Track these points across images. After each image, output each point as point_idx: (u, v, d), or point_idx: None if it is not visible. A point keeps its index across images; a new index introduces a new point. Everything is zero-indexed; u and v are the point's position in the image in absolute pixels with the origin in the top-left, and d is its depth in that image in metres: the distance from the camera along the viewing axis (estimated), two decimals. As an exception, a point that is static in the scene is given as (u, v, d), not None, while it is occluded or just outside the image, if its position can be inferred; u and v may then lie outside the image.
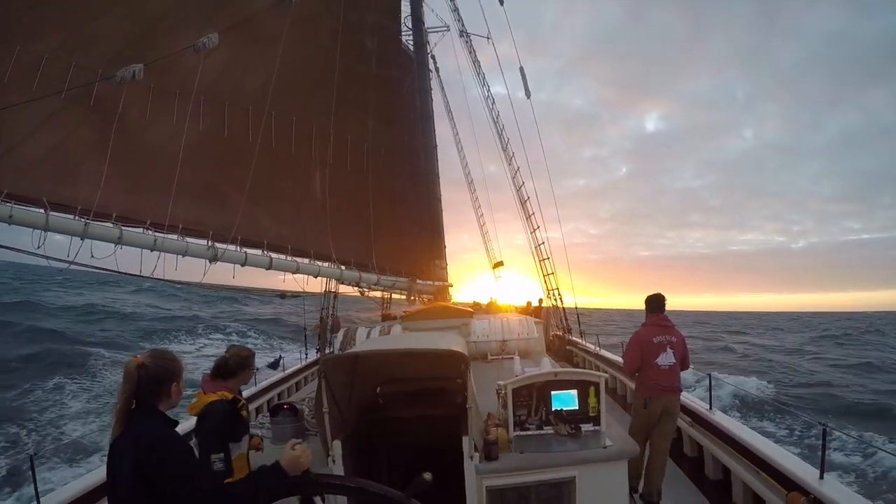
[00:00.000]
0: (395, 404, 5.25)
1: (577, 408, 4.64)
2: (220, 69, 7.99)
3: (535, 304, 15.91)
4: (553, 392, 4.66)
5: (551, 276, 15.04)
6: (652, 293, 5.74)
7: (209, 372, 3.67)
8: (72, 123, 6.34)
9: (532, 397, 4.70)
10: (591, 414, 4.60)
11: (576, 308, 15.30)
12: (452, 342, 5.28)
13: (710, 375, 6.42)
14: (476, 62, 15.92)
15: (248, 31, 8.21)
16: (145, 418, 2.10)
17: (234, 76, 8.28)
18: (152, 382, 2.13)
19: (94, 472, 5.07)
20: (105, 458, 2.14)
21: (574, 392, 4.66)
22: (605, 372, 9.93)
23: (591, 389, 4.61)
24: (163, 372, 2.17)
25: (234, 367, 3.66)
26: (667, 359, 5.44)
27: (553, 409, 4.64)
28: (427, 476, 2.11)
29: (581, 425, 4.54)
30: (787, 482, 4.36)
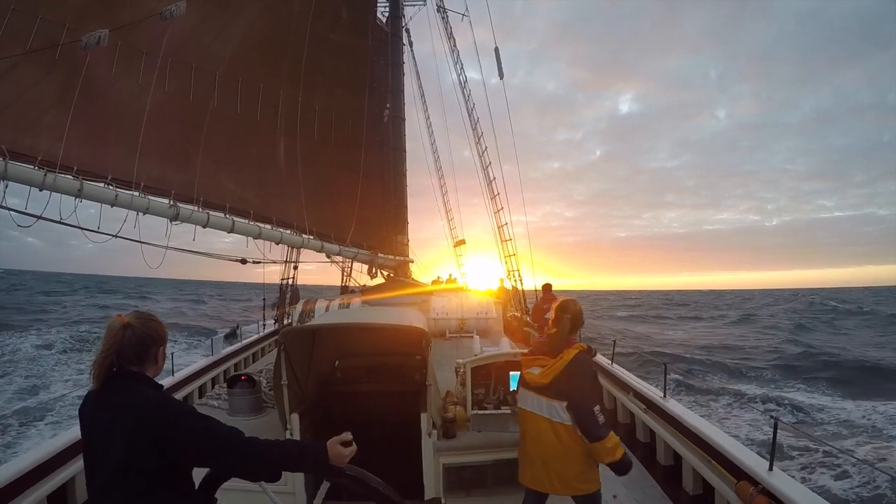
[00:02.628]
0: (353, 378, 5.23)
1: None
2: (189, 31, 7.76)
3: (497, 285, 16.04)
4: (511, 372, 4.72)
5: (513, 258, 15.16)
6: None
7: None
8: (36, 75, 6.09)
9: (490, 377, 4.76)
10: None
11: (535, 290, 15.49)
12: (414, 318, 5.28)
13: (665, 364, 6.59)
14: (451, 38, 15.67)
15: None
16: (134, 383, 1.95)
17: (203, 40, 8.04)
18: (140, 344, 1.99)
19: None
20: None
21: None
22: None
23: None
24: (151, 334, 2.03)
25: None
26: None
27: (511, 389, 4.71)
28: (442, 500, 2.09)
29: (538, 406, 4.61)
30: (736, 471, 4.49)
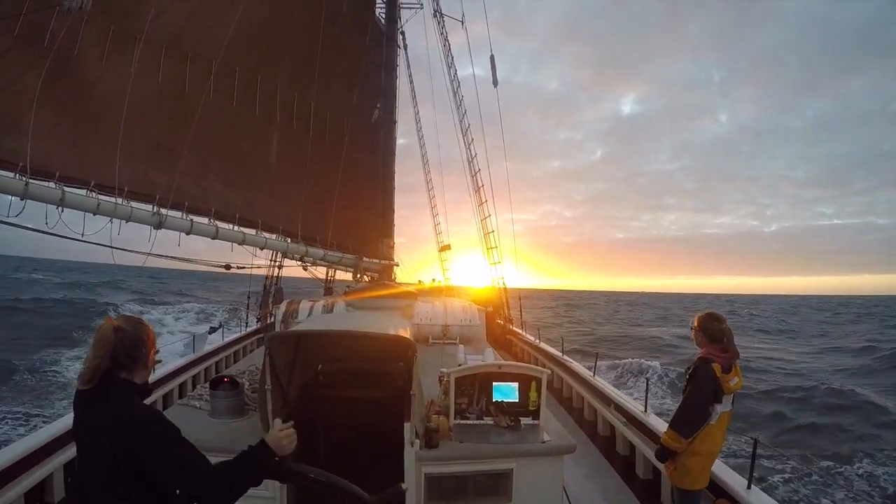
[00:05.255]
0: (336, 384, 5.21)
1: (517, 400, 4.74)
2: (188, 16, 7.62)
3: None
4: (495, 383, 4.75)
5: (495, 250, 15.19)
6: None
7: None
8: (21, 65, 5.98)
9: (474, 387, 4.77)
10: (530, 408, 4.71)
11: (519, 299, 15.59)
12: (399, 325, 5.26)
13: (647, 380, 6.64)
14: (447, 43, 15.69)
15: None
16: (123, 392, 1.97)
17: (202, 25, 7.89)
18: (131, 347, 2.01)
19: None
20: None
21: (515, 385, 4.76)
22: (545, 366, 10.18)
23: (533, 384, 4.72)
24: (142, 336, 2.06)
25: None
26: None
27: (494, 399, 4.73)
28: (404, 486, 2.12)
29: (520, 418, 4.65)
30: (715, 489, 4.52)
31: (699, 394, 3.73)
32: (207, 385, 5.55)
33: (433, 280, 16.67)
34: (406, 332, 4.91)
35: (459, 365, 5.13)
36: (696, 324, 3.95)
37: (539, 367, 4.90)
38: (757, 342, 36.33)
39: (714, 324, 3.85)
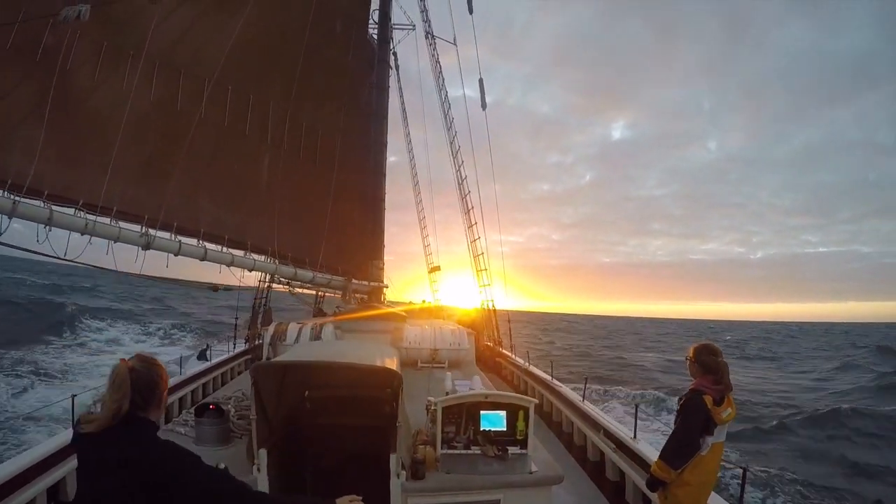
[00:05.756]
0: (323, 411, 5.16)
1: (505, 429, 4.71)
2: (182, 31, 7.64)
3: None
4: (483, 412, 4.72)
5: (485, 272, 15.20)
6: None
7: None
8: (14, 79, 5.96)
9: (462, 415, 4.73)
10: (518, 437, 4.68)
11: (508, 321, 15.57)
12: (386, 355, 5.23)
13: (636, 406, 6.63)
14: (438, 65, 15.86)
15: None
16: (141, 430, 1.99)
17: (195, 41, 7.89)
18: (146, 388, 2.03)
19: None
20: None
21: (503, 413, 4.73)
22: (534, 390, 10.14)
23: (521, 413, 4.69)
24: (155, 378, 2.09)
25: None
26: None
27: (482, 428, 4.70)
28: None
29: (508, 448, 4.61)
30: None
31: (689, 425, 3.74)
32: (193, 411, 5.49)
33: (423, 301, 16.67)
34: (393, 362, 4.89)
35: (447, 393, 5.10)
36: (691, 354, 3.95)
37: (527, 397, 4.88)
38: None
39: (710, 356, 3.85)
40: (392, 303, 13.55)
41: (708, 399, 3.68)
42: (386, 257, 13.53)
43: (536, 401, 5.01)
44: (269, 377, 4.34)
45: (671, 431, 3.90)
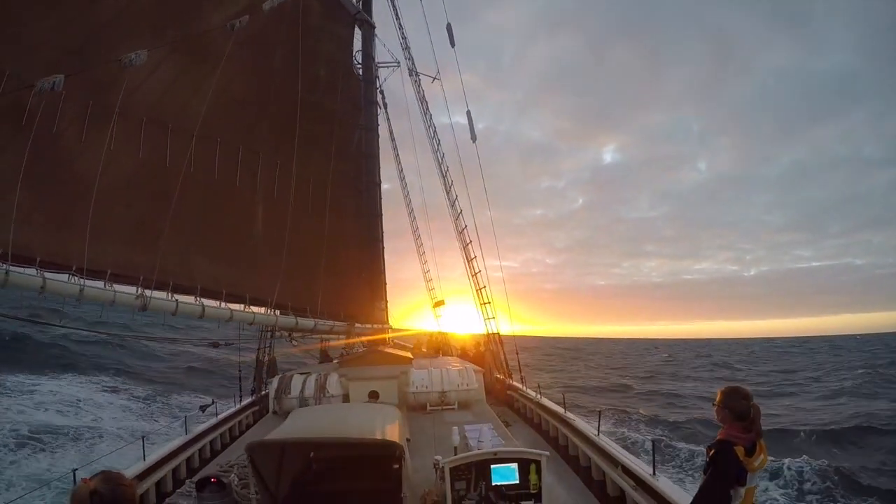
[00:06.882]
0: (329, 475, 4.98)
1: (517, 482, 4.52)
2: (165, 89, 7.65)
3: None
4: (493, 466, 4.54)
5: (488, 306, 14.98)
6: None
7: None
8: None
9: (471, 471, 4.55)
10: (532, 490, 4.48)
11: (517, 353, 15.31)
12: (388, 419, 5.07)
13: (653, 442, 6.38)
14: (423, 101, 15.92)
15: (198, 51, 7.91)
16: None
17: (180, 98, 7.91)
18: None
19: None
20: None
21: (514, 466, 4.56)
22: (548, 423, 9.86)
23: (532, 466, 4.50)
24: (120, 500, 1.85)
25: None
26: None
27: (493, 483, 4.51)
28: None
29: (522, 502, 4.41)
30: None
31: (720, 479, 3.45)
32: (194, 486, 5.31)
33: (430, 333, 16.55)
34: (394, 429, 4.74)
35: (455, 448, 4.92)
36: (718, 400, 3.55)
37: (537, 451, 4.69)
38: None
39: (741, 401, 3.48)
40: (397, 330, 13.34)
41: (739, 450, 3.37)
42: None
43: (548, 453, 4.81)
44: (266, 455, 4.19)
45: (699, 485, 3.65)
